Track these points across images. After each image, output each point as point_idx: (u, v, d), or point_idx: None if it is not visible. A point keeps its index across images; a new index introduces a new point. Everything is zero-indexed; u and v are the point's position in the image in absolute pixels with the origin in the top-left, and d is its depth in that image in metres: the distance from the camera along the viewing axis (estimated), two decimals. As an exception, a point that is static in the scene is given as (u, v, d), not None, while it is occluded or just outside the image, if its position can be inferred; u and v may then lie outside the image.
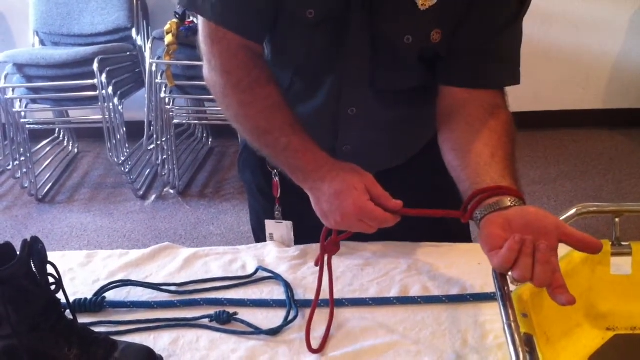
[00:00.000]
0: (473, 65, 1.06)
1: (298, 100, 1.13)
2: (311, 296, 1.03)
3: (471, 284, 1.05)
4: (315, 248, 1.17)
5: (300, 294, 1.05)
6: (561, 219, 0.95)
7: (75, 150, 3.93)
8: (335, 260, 1.12)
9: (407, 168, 1.24)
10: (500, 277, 0.88)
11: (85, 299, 1.05)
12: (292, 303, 1.02)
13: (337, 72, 1.09)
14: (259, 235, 1.33)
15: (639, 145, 3.69)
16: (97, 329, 0.94)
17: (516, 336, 0.76)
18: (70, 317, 0.92)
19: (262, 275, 1.10)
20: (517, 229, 0.84)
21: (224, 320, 0.99)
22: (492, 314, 0.97)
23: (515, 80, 1.07)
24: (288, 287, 1.06)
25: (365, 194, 0.93)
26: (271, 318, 1.00)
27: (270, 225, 1.25)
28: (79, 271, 1.15)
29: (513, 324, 0.78)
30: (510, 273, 0.82)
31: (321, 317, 0.99)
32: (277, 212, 1.25)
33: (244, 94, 1.06)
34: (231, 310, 1.01)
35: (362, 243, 1.16)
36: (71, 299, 0.99)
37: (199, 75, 3.57)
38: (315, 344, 0.94)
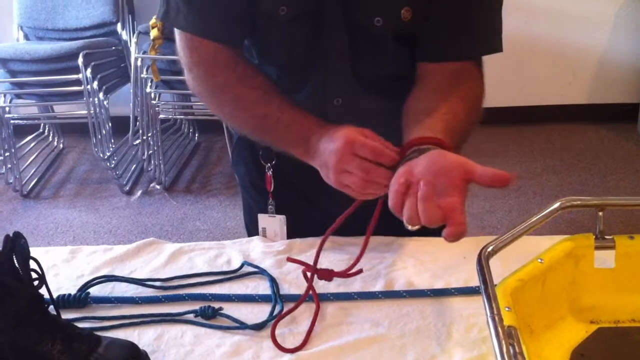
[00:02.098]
0: (439, 38, 1.06)
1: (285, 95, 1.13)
2: (296, 291, 1.03)
3: (456, 278, 1.05)
4: (299, 243, 1.17)
5: (285, 289, 1.05)
6: (545, 212, 0.96)
7: (61, 145, 3.91)
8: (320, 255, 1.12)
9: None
10: (484, 271, 0.88)
11: (69, 294, 1.04)
12: (277, 298, 1.02)
13: (320, 65, 1.09)
14: (251, 230, 1.33)
15: (624, 139, 3.71)
16: (81, 325, 0.93)
17: (499, 329, 0.76)
18: (54, 312, 0.91)
19: (248, 270, 1.10)
20: (418, 173, 0.82)
21: (209, 316, 0.99)
22: (476, 308, 0.97)
23: (489, 49, 1.07)
24: (273, 281, 1.06)
25: (356, 133, 0.92)
26: (256, 313, 1.00)
27: (262, 220, 1.24)
28: (63, 267, 1.14)
29: (496, 317, 0.78)
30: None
31: (306, 312, 0.99)
32: (270, 207, 1.24)
33: (235, 89, 1.07)
34: (216, 305, 1.01)
35: (347, 238, 1.16)
36: (55, 295, 0.98)
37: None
38: (299, 339, 0.94)
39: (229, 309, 1.01)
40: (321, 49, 1.07)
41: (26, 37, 3.47)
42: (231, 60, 1.07)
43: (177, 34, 1.08)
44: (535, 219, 0.96)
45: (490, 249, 0.93)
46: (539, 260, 0.91)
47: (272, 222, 1.24)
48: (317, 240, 1.16)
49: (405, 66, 1.11)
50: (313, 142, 0.99)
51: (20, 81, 3.20)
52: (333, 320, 0.98)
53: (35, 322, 0.86)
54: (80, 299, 1.04)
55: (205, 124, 3.80)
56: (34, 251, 0.88)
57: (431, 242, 1.15)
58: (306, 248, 1.15)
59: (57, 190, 3.47)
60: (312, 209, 1.23)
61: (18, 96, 3.34)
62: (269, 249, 1.15)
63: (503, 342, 0.74)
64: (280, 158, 1.20)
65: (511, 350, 0.74)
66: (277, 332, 0.95)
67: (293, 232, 1.23)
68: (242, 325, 0.97)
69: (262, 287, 1.06)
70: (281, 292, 1.04)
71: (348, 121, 1.15)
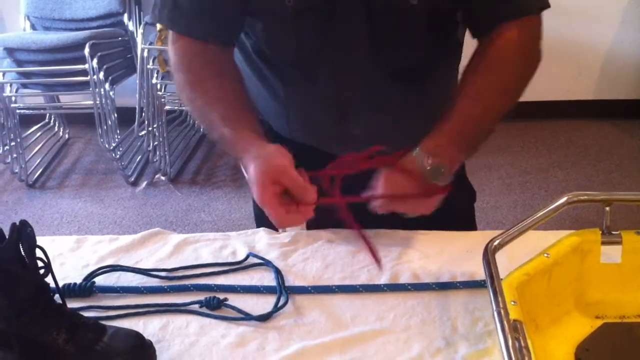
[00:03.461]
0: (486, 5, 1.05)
1: (300, 90, 1.13)
2: (301, 282, 1.03)
3: (461, 271, 1.05)
4: (305, 234, 1.17)
5: (290, 281, 1.05)
6: (552, 207, 0.96)
7: (66, 135, 3.91)
8: (326, 246, 1.13)
9: None
10: (490, 265, 0.88)
11: (75, 283, 1.04)
12: (282, 289, 1.02)
13: (334, 57, 1.08)
14: (263, 221, 1.31)
15: (629, 135, 3.70)
16: (86, 314, 0.93)
17: (505, 323, 0.76)
18: (60, 301, 0.92)
19: (253, 262, 1.10)
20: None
21: (214, 306, 0.99)
22: (481, 302, 0.97)
23: (539, 5, 1.08)
24: (278, 273, 1.06)
25: (268, 187, 0.91)
26: (261, 304, 1.00)
27: None
28: (69, 256, 1.14)
29: (502, 311, 0.78)
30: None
31: (310, 302, 0.99)
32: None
33: (194, 87, 1.08)
34: (221, 296, 1.01)
35: (352, 230, 1.16)
36: (60, 284, 0.99)
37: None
38: (304, 330, 0.94)
39: (234, 299, 1.01)
40: (333, 40, 1.06)
41: (33, 27, 3.47)
42: (203, 58, 1.09)
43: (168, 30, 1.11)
44: (541, 213, 0.96)
45: (496, 243, 0.93)
46: (545, 255, 0.91)
47: None
48: (322, 233, 1.17)
49: (427, 55, 1.09)
50: (244, 162, 0.98)
51: (26, 71, 3.21)
52: (338, 312, 0.98)
53: (40, 311, 0.86)
54: (86, 289, 1.04)
55: (210, 116, 3.80)
56: (39, 240, 0.88)
57: (437, 235, 1.15)
58: (312, 240, 1.15)
59: (62, 181, 3.48)
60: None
61: (24, 86, 3.34)
62: (274, 241, 1.15)
63: (509, 336, 0.74)
64: (296, 144, 1.19)
65: (516, 344, 0.74)
66: (281, 323, 0.96)
67: (311, 222, 1.21)
68: (247, 316, 0.97)
69: (267, 278, 1.06)
70: (286, 284, 1.04)
71: (365, 115, 1.14)
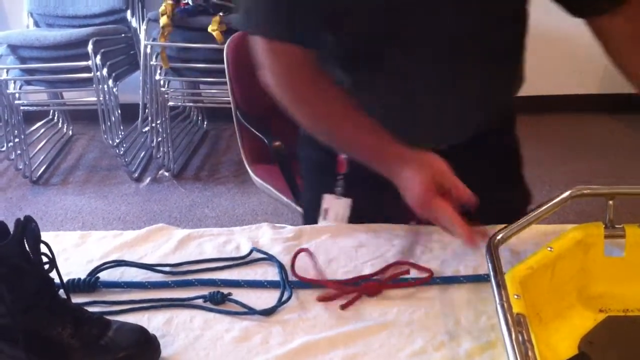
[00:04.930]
0: None
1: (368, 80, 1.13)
2: (305, 277, 1.03)
3: (464, 265, 1.05)
4: (309, 229, 1.17)
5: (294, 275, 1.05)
6: (555, 201, 0.96)
7: (70, 132, 3.92)
8: (329, 241, 1.13)
9: (472, 149, 1.20)
10: (493, 258, 0.88)
11: (79, 279, 1.05)
12: (286, 284, 1.02)
13: (404, 35, 1.06)
14: (311, 215, 1.30)
15: (633, 130, 3.69)
16: (90, 309, 0.94)
17: (509, 316, 0.76)
18: (64, 296, 0.92)
19: (256, 257, 1.10)
20: None
21: (218, 301, 1.00)
22: (485, 296, 0.97)
23: None
24: (282, 268, 1.06)
25: (433, 189, 0.94)
26: (265, 298, 1.01)
27: (328, 200, 1.23)
28: (73, 252, 1.15)
29: (505, 304, 0.78)
30: None
31: (314, 297, 0.99)
32: (338, 188, 1.24)
33: (315, 104, 1.09)
34: (225, 290, 1.01)
35: (356, 225, 1.16)
36: (65, 279, 0.99)
37: (194, 57, 3.52)
38: (308, 325, 0.94)
39: (238, 294, 1.01)
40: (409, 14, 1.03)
41: (36, 24, 3.47)
42: (312, 71, 1.07)
43: (258, 39, 1.07)
44: (545, 207, 0.96)
45: (500, 236, 0.93)
46: (549, 249, 0.91)
47: (337, 204, 1.22)
48: (326, 227, 1.17)
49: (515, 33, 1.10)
50: (393, 171, 1.01)
51: (30, 67, 3.21)
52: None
53: (45, 306, 0.86)
54: (90, 284, 1.04)
55: (213, 112, 3.81)
56: (44, 236, 0.88)
57: (440, 229, 1.15)
58: (316, 235, 1.15)
59: (66, 177, 3.48)
60: (380, 194, 1.17)
61: (28, 83, 3.35)
62: (278, 236, 1.16)
63: (512, 329, 0.74)
64: None
65: (520, 338, 0.74)
66: (285, 317, 0.96)
67: (354, 218, 1.22)
68: (250, 311, 0.97)
69: (270, 273, 1.07)
70: (290, 279, 1.04)
71: (430, 105, 1.13)
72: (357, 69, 1.12)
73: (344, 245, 1.12)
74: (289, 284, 1.02)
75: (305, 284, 1.02)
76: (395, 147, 1.02)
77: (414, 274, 1.03)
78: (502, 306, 0.79)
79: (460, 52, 1.08)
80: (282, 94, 1.09)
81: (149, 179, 3.41)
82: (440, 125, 1.15)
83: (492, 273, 0.86)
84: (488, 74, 1.14)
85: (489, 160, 1.24)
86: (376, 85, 1.12)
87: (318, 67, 1.08)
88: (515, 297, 0.81)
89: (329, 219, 1.23)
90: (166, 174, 3.43)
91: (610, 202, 0.95)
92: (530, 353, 0.73)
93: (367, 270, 1.05)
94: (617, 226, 0.95)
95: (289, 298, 0.99)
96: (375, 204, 1.12)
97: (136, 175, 3.42)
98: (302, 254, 1.08)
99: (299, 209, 1.99)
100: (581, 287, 0.95)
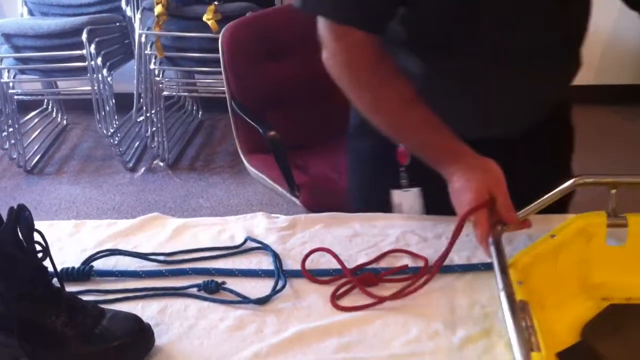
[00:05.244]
0: None
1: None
2: (299, 266, 1.03)
3: (458, 255, 1.05)
4: (303, 218, 1.17)
5: (288, 264, 1.05)
6: (559, 189, 0.97)
7: (64, 121, 3.90)
8: (323, 231, 1.13)
9: (524, 143, 1.20)
10: (497, 245, 0.88)
11: (73, 267, 1.04)
12: (280, 273, 1.02)
13: (480, 31, 1.06)
14: (359, 208, 1.28)
15: (630, 121, 3.69)
16: (84, 298, 0.93)
17: (512, 302, 0.77)
18: (58, 285, 0.92)
19: (251, 246, 1.10)
20: None
21: (212, 290, 1.00)
22: (479, 285, 0.97)
23: None
24: (276, 257, 1.06)
25: (485, 196, 0.95)
26: (259, 287, 1.00)
27: (397, 195, 1.22)
28: (67, 241, 1.14)
29: (509, 290, 0.79)
30: None
31: (309, 287, 1.00)
32: (403, 180, 1.22)
33: (375, 91, 1.07)
34: (219, 279, 1.01)
35: (350, 214, 1.16)
36: (59, 268, 0.99)
37: (189, 46, 3.50)
38: (303, 314, 0.94)
39: (232, 283, 1.01)
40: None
41: (30, 13, 3.45)
42: (375, 57, 1.05)
43: (321, 19, 1.05)
44: (548, 195, 0.96)
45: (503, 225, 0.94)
46: (552, 237, 0.91)
47: (408, 197, 1.21)
48: (321, 217, 1.17)
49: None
50: (448, 170, 1.01)
51: (24, 56, 3.19)
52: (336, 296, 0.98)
53: (39, 294, 0.86)
54: (84, 272, 1.04)
55: (208, 102, 3.79)
56: (38, 225, 0.88)
57: (435, 219, 1.15)
58: (310, 224, 1.15)
59: (60, 167, 3.47)
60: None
61: (22, 72, 3.33)
62: (273, 225, 1.15)
63: (517, 314, 0.74)
64: None
65: (522, 324, 0.74)
66: (280, 306, 0.96)
67: (428, 205, 1.21)
68: (245, 300, 0.97)
69: (265, 262, 1.07)
70: (284, 268, 1.04)
71: (498, 92, 1.12)
72: (428, 55, 1.12)
73: (338, 235, 1.12)
74: (283, 273, 1.02)
75: (299, 272, 1.02)
76: (457, 145, 1.02)
77: (409, 262, 1.03)
78: (506, 292, 0.79)
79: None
80: (341, 77, 1.08)
81: (143, 169, 3.41)
82: (502, 114, 1.14)
83: (495, 260, 0.86)
84: (558, 66, 1.17)
85: (544, 151, 1.25)
86: (442, 70, 1.11)
87: (382, 53, 1.06)
88: (518, 283, 0.82)
89: (405, 211, 1.22)
90: (161, 164, 3.42)
91: (613, 191, 0.95)
92: (533, 339, 0.73)
93: (361, 260, 1.05)
94: (619, 215, 0.95)
95: (283, 287, 0.99)
96: (444, 193, 1.11)
97: (131, 165, 3.41)
98: (296, 243, 1.08)
99: (294, 199, 1.99)
100: (584, 275, 0.95)
